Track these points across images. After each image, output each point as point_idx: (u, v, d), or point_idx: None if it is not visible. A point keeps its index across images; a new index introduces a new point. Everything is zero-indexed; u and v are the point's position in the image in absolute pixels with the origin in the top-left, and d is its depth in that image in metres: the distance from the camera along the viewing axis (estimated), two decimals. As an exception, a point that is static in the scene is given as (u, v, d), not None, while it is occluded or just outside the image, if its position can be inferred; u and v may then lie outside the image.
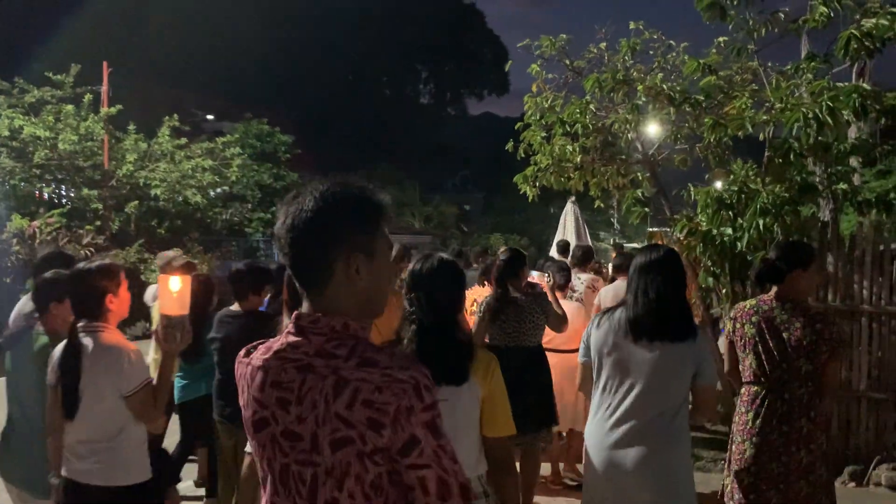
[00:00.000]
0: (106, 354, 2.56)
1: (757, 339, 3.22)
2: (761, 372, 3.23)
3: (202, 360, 4.07)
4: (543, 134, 6.12)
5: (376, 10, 50.37)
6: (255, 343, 1.45)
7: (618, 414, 2.72)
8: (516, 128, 6.40)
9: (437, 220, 34.81)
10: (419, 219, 33.93)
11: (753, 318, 3.25)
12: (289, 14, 45.49)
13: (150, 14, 36.34)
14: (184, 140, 17.19)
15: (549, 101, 6.13)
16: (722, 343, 4.22)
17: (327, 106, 47.13)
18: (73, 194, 16.10)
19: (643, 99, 5.54)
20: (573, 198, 9.78)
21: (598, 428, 2.78)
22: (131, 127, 16.60)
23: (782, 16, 5.27)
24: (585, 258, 7.01)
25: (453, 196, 43.01)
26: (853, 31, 4.45)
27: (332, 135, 44.67)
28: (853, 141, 5.07)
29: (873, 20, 4.46)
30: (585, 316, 5.20)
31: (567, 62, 6.12)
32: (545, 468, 5.00)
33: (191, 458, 4.90)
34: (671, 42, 5.92)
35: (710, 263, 4.99)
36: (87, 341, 2.59)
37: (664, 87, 5.32)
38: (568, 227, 10.85)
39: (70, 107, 15.46)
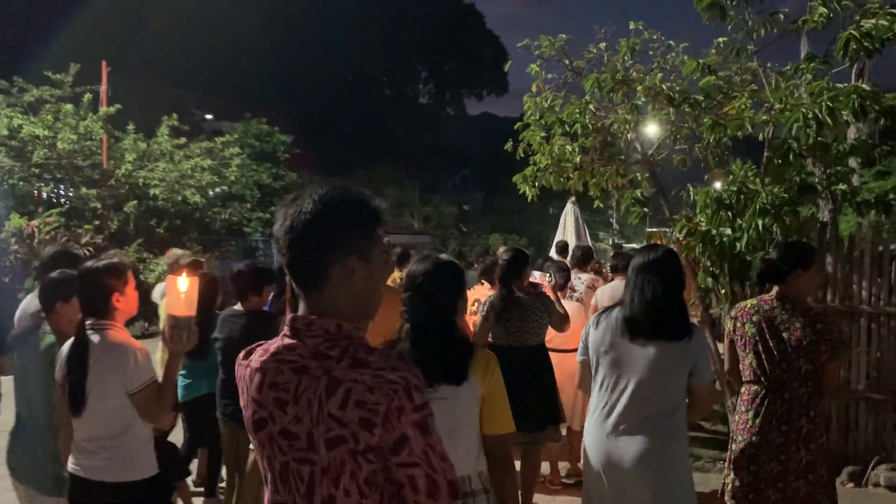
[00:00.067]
0: (112, 352, 2.59)
1: (757, 338, 3.23)
2: (761, 371, 3.24)
3: (207, 358, 4.10)
4: (543, 134, 6.12)
5: (376, 10, 50.35)
6: (253, 345, 1.48)
7: (615, 412, 2.75)
8: (516, 128, 6.40)
9: (437, 220, 34.78)
10: (418, 219, 33.91)
11: (754, 318, 3.26)
12: (288, 14, 45.46)
13: (150, 14, 36.32)
14: (183, 140, 17.16)
15: (548, 101, 6.12)
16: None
17: (327, 106, 47.10)
18: (71, 194, 16.08)
19: (642, 99, 5.53)
20: (573, 198, 9.78)
21: (597, 426, 2.81)
22: (130, 127, 16.59)
23: (782, 16, 5.27)
24: (585, 258, 7.02)
25: (453, 196, 42.99)
26: (852, 31, 4.45)
27: (331, 135, 44.65)
28: (852, 142, 5.07)
29: (872, 21, 4.46)
30: (585, 316, 5.22)
31: (566, 62, 6.12)
32: (545, 467, 5.00)
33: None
34: (671, 42, 5.92)
35: (709, 264, 4.98)
36: (95, 339, 2.62)
37: (664, 87, 5.32)
38: (568, 227, 10.86)
39: (69, 106, 15.44)
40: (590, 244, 10.40)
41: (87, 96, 15.76)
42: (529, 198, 6.43)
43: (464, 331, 2.47)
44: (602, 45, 6.02)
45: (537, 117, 6.15)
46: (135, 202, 16.32)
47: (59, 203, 15.90)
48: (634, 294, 2.77)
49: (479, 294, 5.30)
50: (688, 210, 5.39)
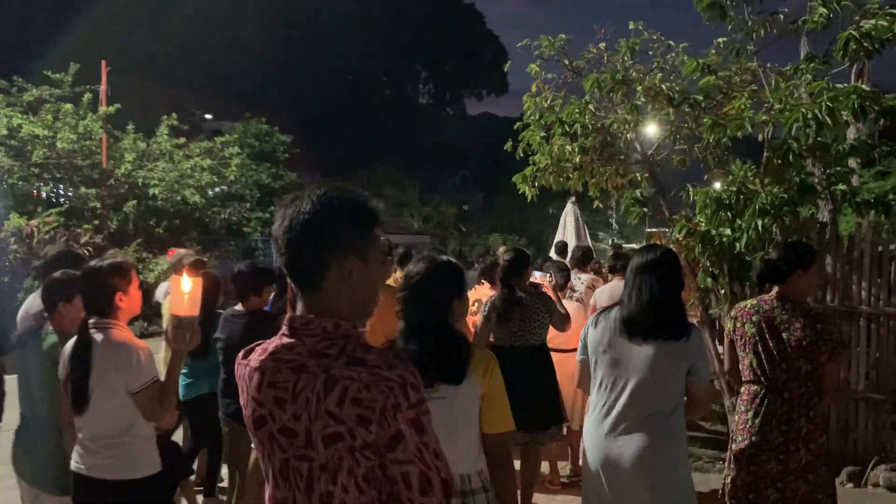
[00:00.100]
0: (115, 351, 2.61)
1: (757, 338, 3.24)
2: (761, 371, 3.24)
3: (208, 358, 4.12)
4: (542, 134, 6.11)
5: (376, 10, 50.30)
6: (252, 345, 1.50)
7: (614, 411, 2.76)
8: (515, 128, 6.39)
9: (436, 220, 34.79)
10: (418, 219, 33.92)
11: (754, 318, 3.26)
12: (288, 13, 45.44)
13: (149, 13, 36.30)
14: (182, 139, 17.17)
15: (548, 101, 6.12)
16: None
17: (327, 105, 47.08)
18: (71, 193, 16.07)
19: (642, 99, 5.53)
20: (573, 198, 9.77)
21: (596, 425, 2.82)
22: (130, 126, 16.58)
23: (782, 17, 5.26)
24: (585, 259, 7.03)
25: (452, 196, 42.99)
26: (852, 31, 4.45)
27: (331, 134, 44.64)
28: (852, 142, 5.06)
29: (872, 21, 4.46)
30: (585, 316, 5.22)
31: (566, 62, 6.11)
32: (544, 467, 5.00)
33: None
34: (670, 42, 5.91)
35: (708, 264, 4.98)
36: (98, 337, 2.64)
37: (663, 87, 5.31)
38: (568, 227, 10.86)
39: (69, 106, 15.44)
40: (590, 244, 10.40)
41: (87, 96, 15.76)
42: (529, 198, 6.43)
43: (464, 331, 2.47)
44: (602, 45, 6.01)
45: (537, 117, 6.15)
46: (134, 202, 16.32)
47: (59, 203, 15.90)
48: (632, 294, 2.79)
49: (480, 294, 5.30)
50: (687, 210, 5.39)
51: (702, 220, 4.96)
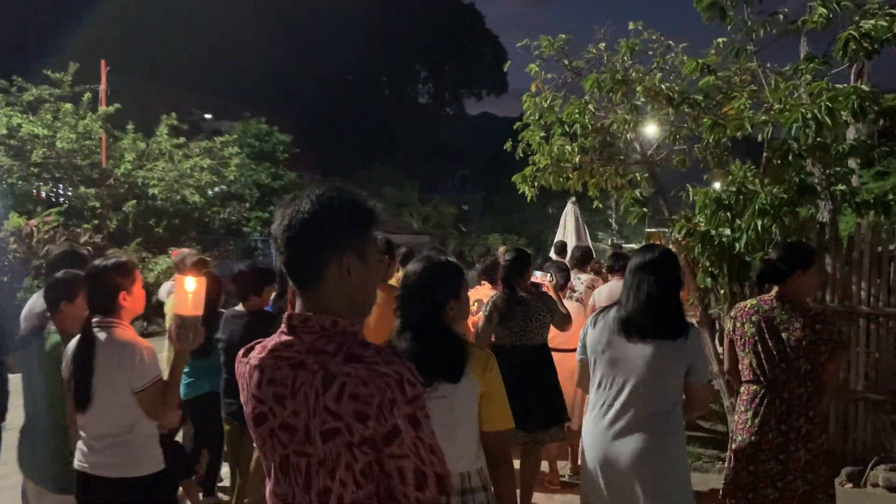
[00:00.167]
0: (119, 350, 2.63)
1: (756, 338, 3.24)
2: (761, 371, 3.25)
3: (209, 357, 4.13)
4: (542, 134, 6.11)
5: (376, 10, 50.30)
6: (252, 343, 1.52)
7: (613, 410, 2.77)
8: (515, 128, 6.39)
9: (436, 220, 34.79)
10: (417, 218, 33.91)
11: (753, 318, 3.27)
12: (288, 13, 45.43)
13: (149, 13, 36.28)
14: (182, 139, 17.16)
15: (547, 101, 6.12)
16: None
17: (326, 105, 47.07)
18: (70, 193, 16.07)
19: (642, 99, 5.53)
20: (573, 198, 9.77)
21: (594, 424, 2.84)
22: (130, 126, 16.57)
23: (781, 17, 5.26)
24: (584, 259, 7.03)
25: (452, 196, 42.98)
26: (852, 32, 4.45)
27: (330, 134, 44.64)
28: (851, 142, 5.07)
29: (872, 21, 4.46)
30: (585, 315, 5.22)
31: (566, 62, 6.11)
32: (543, 466, 5.01)
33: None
34: (670, 42, 5.91)
35: (708, 264, 4.98)
36: (101, 336, 2.66)
37: (663, 87, 5.31)
38: (568, 227, 10.86)
39: (68, 105, 15.43)
40: (589, 245, 10.40)
41: (87, 95, 15.76)
42: (529, 198, 6.42)
43: (464, 332, 2.48)
44: (601, 45, 6.01)
45: (536, 117, 6.15)
46: (134, 202, 16.32)
47: (58, 202, 15.90)
48: (630, 294, 2.80)
49: (480, 294, 5.31)
50: (687, 210, 5.39)
51: (701, 220, 4.96)
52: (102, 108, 16.05)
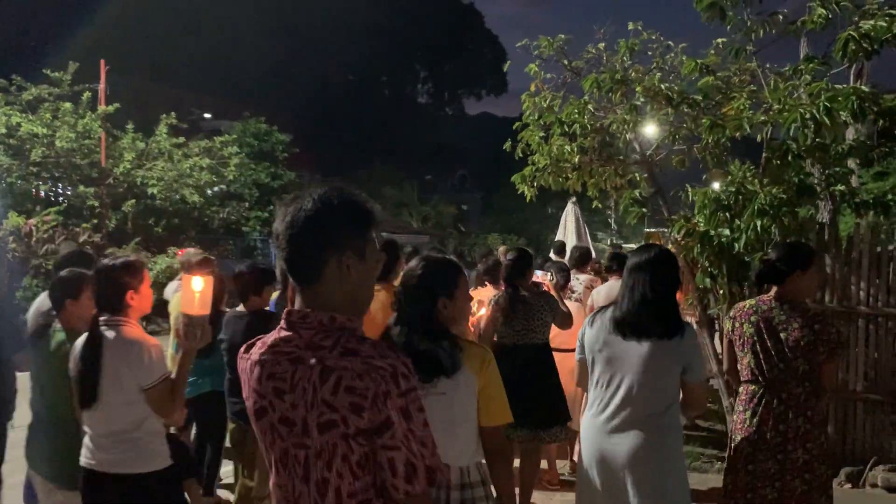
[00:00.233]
0: (128, 348, 2.66)
1: (755, 338, 3.25)
2: (759, 371, 3.25)
3: (211, 356, 4.15)
4: (541, 134, 6.11)
5: (376, 10, 50.29)
6: (254, 339, 1.57)
7: (610, 408, 2.79)
8: (514, 128, 6.39)
9: (435, 220, 34.80)
10: (417, 218, 33.92)
11: (752, 318, 3.27)
12: (288, 14, 45.42)
13: (149, 13, 36.26)
14: (182, 139, 17.16)
15: (547, 101, 6.12)
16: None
17: (326, 105, 47.06)
18: (69, 192, 16.07)
19: (641, 99, 5.53)
20: (574, 198, 9.76)
21: (592, 422, 2.86)
22: (129, 126, 16.57)
23: (781, 17, 5.27)
24: (583, 259, 7.03)
25: (451, 196, 42.97)
26: (851, 32, 4.45)
27: (330, 134, 44.63)
28: (851, 142, 5.07)
29: (871, 22, 4.46)
30: (584, 315, 5.22)
31: (565, 62, 6.11)
32: (543, 465, 5.01)
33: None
34: (669, 43, 5.91)
35: (707, 264, 4.98)
36: (110, 335, 2.69)
37: (662, 87, 5.32)
38: (568, 227, 10.83)
39: (68, 104, 15.43)
40: (589, 245, 10.39)
41: (86, 95, 15.75)
42: (528, 198, 6.42)
43: (465, 331, 2.50)
44: (601, 45, 6.01)
45: (536, 117, 6.15)
46: (133, 201, 16.31)
47: (58, 201, 15.90)
48: (625, 294, 2.83)
49: (482, 295, 5.31)
50: (686, 210, 5.39)
51: (701, 220, 4.97)
52: (102, 108, 16.04)
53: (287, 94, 43.88)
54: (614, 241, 26.96)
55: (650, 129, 5.96)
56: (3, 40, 27.18)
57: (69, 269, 3.24)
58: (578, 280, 6.61)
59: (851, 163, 5.56)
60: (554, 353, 4.62)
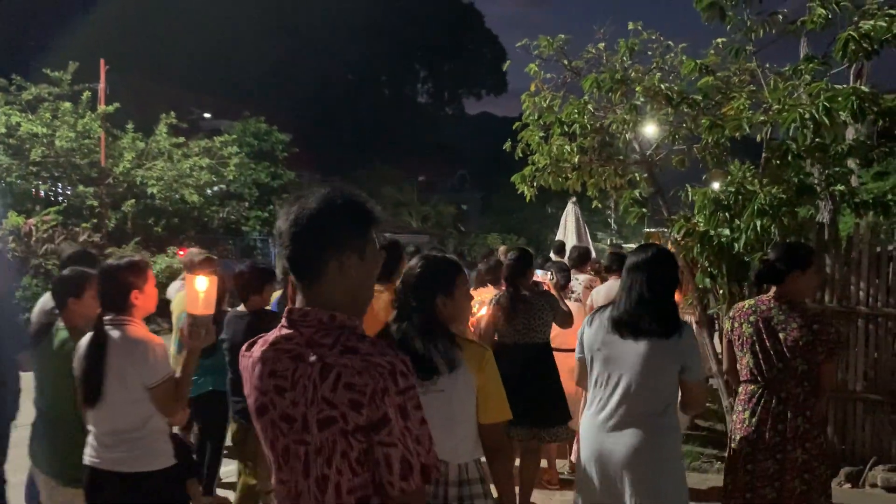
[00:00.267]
0: (133, 347, 2.68)
1: (754, 338, 3.25)
2: (758, 371, 3.26)
3: (213, 355, 4.17)
4: (541, 134, 6.11)
5: (376, 10, 50.29)
6: (255, 338, 1.60)
7: (608, 407, 2.81)
8: (514, 127, 6.39)
9: (435, 220, 34.82)
10: (417, 218, 33.93)
11: (751, 318, 3.28)
12: (288, 13, 45.42)
13: (149, 13, 36.27)
14: (181, 139, 17.14)
15: (547, 101, 6.12)
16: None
17: (326, 105, 47.09)
18: (69, 192, 16.06)
19: (641, 99, 5.53)
20: (574, 198, 9.75)
21: (591, 420, 2.88)
22: (129, 125, 16.56)
23: (781, 17, 5.27)
24: (581, 259, 7.02)
25: (451, 195, 42.98)
26: (851, 32, 4.45)
27: (330, 134, 44.66)
28: (850, 142, 5.07)
29: (871, 22, 4.46)
30: (584, 315, 5.22)
31: (565, 62, 6.11)
32: (543, 465, 5.01)
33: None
34: (669, 42, 5.90)
35: (707, 264, 4.99)
36: (115, 334, 2.71)
37: (662, 87, 5.32)
38: (569, 227, 10.82)
39: (67, 104, 15.41)
40: (590, 245, 10.39)
41: (86, 94, 15.74)
42: (528, 198, 6.42)
43: (465, 330, 2.51)
44: (601, 45, 6.01)
45: (536, 117, 6.15)
46: (132, 201, 16.30)
47: (57, 201, 15.90)
48: (623, 294, 2.85)
49: (484, 295, 5.32)
50: (686, 210, 5.39)
51: (700, 220, 4.97)
52: (101, 107, 16.03)
53: (287, 94, 43.89)
54: (614, 241, 26.95)
55: (650, 129, 5.96)
56: (3, 40, 27.16)
57: (72, 267, 3.26)
58: (577, 280, 6.61)
59: (851, 163, 5.55)
60: (554, 353, 4.63)
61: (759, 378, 3.26)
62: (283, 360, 1.47)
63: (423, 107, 62.99)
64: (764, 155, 5.03)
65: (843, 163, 5.10)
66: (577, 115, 5.65)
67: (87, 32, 27.46)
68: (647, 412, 2.75)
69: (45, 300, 3.81)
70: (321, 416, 1.40)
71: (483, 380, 2.34)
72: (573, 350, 3.13)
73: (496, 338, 4.41)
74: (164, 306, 5.37)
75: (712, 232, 4.82)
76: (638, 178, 6.19)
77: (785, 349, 3.19)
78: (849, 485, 5.16)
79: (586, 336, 2.94)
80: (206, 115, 30.47)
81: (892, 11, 4.48)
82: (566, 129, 5.79)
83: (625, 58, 5.77)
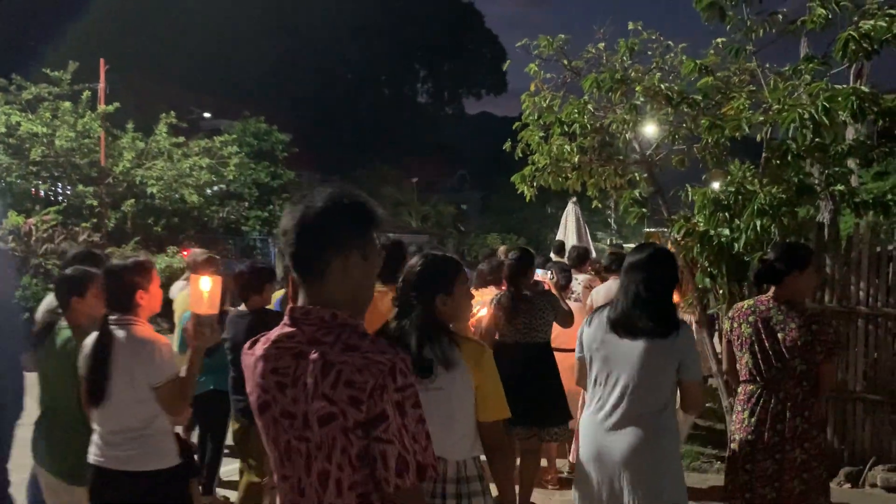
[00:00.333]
0: (140, 346, 2.70)
1: (753, 338, 3.26)
2: (757, 371, 3.26)
3: (214, 355, 4.18)
4: (541, 134, 6.11)
5: (376, 10, 50.29)
6: (258, 336, 1.62)
7: (607, 406, 2.81)
8: (514, 127, 6.39)
9: (435, 220, 34.84)
10: (416, 218, 33.94)
11: (750, 318, 3.28)
12: (288, 13, 45.41)
13: (149, 12, 36.26)
14: (181, 138, 17.14)
15: (546, 101, 6.11)
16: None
17: (325, 105, 47.09)
18: (69, 191, 16.07)
19: (641, 99, 5.52)
20: (574, 198, 9.75)
21: (590, 420, 2.88)
22: (129, 125, 16.55)
23: (781, 17, 5.26)
24: (581, 259, 7.02)
25: (451, 195, 43.00)
26: (851, 32, 4.45)
27: (330, 133, 44.68)
28: (850, 142, 5.06)
29: (871, 22, 4.46)
30: (584, 315, 5.22)
31: (565, 62, 6.10)
32: (543, 465, 5.01)
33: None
34: (669, 42, 5.90)
35: (707, 264, 4.99)
36: (120, 334, 2.72)
37: (662, 87, 5.31)
38: (569, 227, 10.81)
39: (67, 104, 15.42)
40: (590, 244, 10.38)
41: (86, 94, 15.74)
42: (528, 198, 6.41)
43: (465, 330, 2.51)
44: (601, 45, 6.00)
45: (536, 117, 6.14)
46: (132, 200, 16.30)
47: (57, 201, 15.90)
48: (621, 293, 2.85)
49: (485, 296, 5.32)
50: (686, 210, 5.39)
51: (700, 220, 4.97)
52: (101, 107, 16.03)
53: (287, 94, 43.91)
54: (614, 241, 26.98)
55: (650, 129, 5.95)
56: (3, 40, 27.16)
57: (75, 267, 3.27)
58: (577, 280, 6.61)
59: (851, 163, 5.55)
60: (555, 352, 4.64)
61: (758, 378, 3.26)
62: (285, 357, 1.49)
63: (422, 107, 63.01)
64: (764, 155, 5.03)
65: (843, 163, 5.10)
66: (577, 115, 5.65)
67: (87, 32, 27.46)
68: (645, 411, 2.75)
69: (51, 299, 3.82)
70: (322, 413, 1.42)
71: (481, 378, 2.34)
72: (573, 350, 3.13)
73: (497, 337, 4.42)
74: (164, 306, 5.38)
75: (712, 232, 4.82)
76: (638, 178, 6.19)
77: (784, 349, 3.19)
78: (848, 485, 5.17)
79: (585, 335, 2.95)
80: (206, 115, 30.48)
81: (892, 11, 4.48)
82: (566, 129, 5.79)
83: (625, 58, 5.77)
